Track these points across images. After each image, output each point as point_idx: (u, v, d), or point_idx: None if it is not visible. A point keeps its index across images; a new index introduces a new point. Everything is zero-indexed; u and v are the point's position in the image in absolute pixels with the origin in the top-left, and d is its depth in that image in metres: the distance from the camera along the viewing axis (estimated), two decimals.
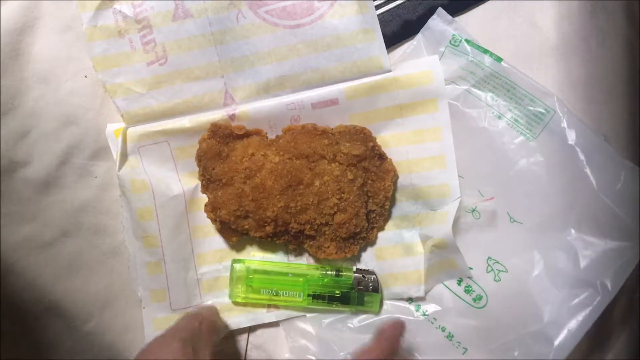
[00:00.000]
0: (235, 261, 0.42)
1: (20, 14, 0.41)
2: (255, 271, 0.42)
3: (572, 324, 0.38)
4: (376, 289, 0.40)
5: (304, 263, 0.43)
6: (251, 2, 0.40)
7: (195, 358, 0.34)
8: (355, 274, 0.41)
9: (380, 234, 0.42)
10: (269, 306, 0.43)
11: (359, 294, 0.41)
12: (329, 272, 0.41)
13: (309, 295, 0.41)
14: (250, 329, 0.43)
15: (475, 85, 0.41)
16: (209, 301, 0.43)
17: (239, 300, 0.42)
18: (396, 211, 0.42)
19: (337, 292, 0.41)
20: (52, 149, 0.42)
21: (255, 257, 0.43)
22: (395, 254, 0.42)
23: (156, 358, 0.34)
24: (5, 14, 0.41)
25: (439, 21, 0.41)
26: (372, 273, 0.41)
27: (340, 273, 0.41)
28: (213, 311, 0.41)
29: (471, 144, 0.41)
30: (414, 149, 0.41)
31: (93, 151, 0.43)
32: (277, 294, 0.41)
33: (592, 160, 0.39)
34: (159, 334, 0.36)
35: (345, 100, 0.40)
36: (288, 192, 0.39)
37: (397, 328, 0.38)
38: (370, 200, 0.40)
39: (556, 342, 0.38)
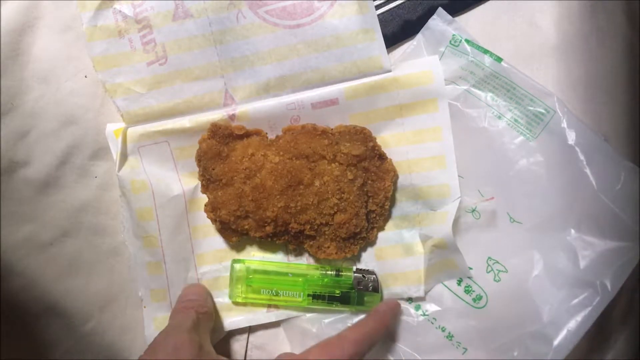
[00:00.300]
0: (235, 261, 0.42)
1: (20, 14, 0.41)
2: (255, 271, 0.42)
3: (572, 324, 0.38)
4: (376, 288, 0.40)
5: (304, 263, 0.43)
6: (251, 2, 0.40)
7: (200, 346, 0.35)
8: (355, 274, 0.41)
9: (380, 234, 0.42)
10: (269, 306, 0.43)
11: (359, 293, 0.41)
12: (329, 272, 0.41)
13: (308, 295, 0.41)
14: (250, 329, 0.43)
15: (475, 85, 0.41)
16: None
17: (239, 300, 0.42)
18: (396, 211, 0.42)
19: (337, 292, 0.41)
20: (52, 149, 0.42)
21: (255, 257, 0.43)
22: (395, 254, 0.42)
23: (167, 352, 0.34)
24: (5, 14, 0.41)
25: (439, 21, 0.41)
26: (372, 273, 0.41)
27: (340, 273, 0.41)
28: (202, 294, 0.41)
29: (471, 144, 0.41)
30: (414, 149, 0.41)
31: (93, 151, 0.43)
32: (277, 294, 0.41)
33: (592, 160, 0.39)
34: (161, 330, 0.36)
35: (345, 100, 0.40)
36: (288, 192, 0.39)
37: (391, 306, 0.40)
38: (370, 200, 0.40)
39: (555, 342, 0.38)
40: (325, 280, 0.41)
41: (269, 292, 0.41)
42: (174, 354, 0.34)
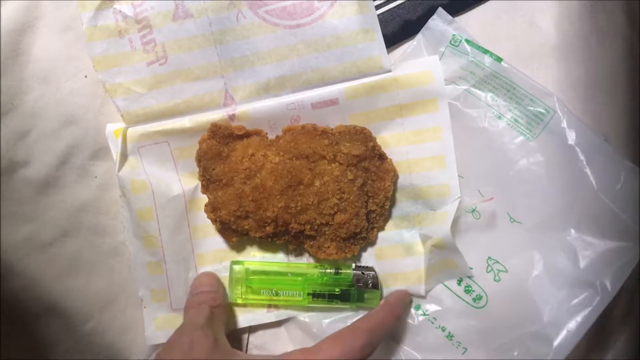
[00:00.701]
0: (234, 262, 0.42)
1: (20, 14, 0.41)
2: (254, 272, 0.42)
3: (572, 324, 0.38)
4: (376, 285, 0.40)
5: (303, 262, 0.43)
6: (251, 2, 0.40)
7: (215, 341, 0.35)
8: (354, 271, 0.41)
9: (381, 234, 0.42)
10: (269, 306, 0.43)
11: (358, 290, 0.41)
12: (328, 271, 0.41)
13: (309, 294, 0.41)
14: (251, 329, 0.43)
15: (475, 85, 0.41)
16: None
17: (239, 301, 0.42)
18: (396, 211, 0.42)
19: (337, 290, 0.41)
20: (52, 149, 0.42)
21: (255, 257, 0.43)
22: (395, 254, 0.42)
23: (182, 350, 0.34)
24: (5, 14, 0.41)
25: (439, 21, 0.41)
26: (371, 269, 0.41)
27: (339, 271, 0.41)
28: (214, 284, 0.41)
29: (471, 144, 0.41)
30: (414, 149, 0.41)
31: (93, 151, 0.43)
32: (277, 294, 0.41)
33: (592, 160, 0.39)
34: (177, 329, 0.37)
35: (345, 100, 0.40)
36: (288, 192, 0.39)
37: (401, 296, 0.40)
38: (371, 200, 0.40)
39: (555, 343, 0.38)
40: (325, 278, 0.41)
41: (268, 292, 0.41)
42: (189, 351, 0.34)
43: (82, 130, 0.43)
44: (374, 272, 0.41)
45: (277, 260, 0.43)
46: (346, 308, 0.42)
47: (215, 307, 0.39)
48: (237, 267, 0.41)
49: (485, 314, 0.40)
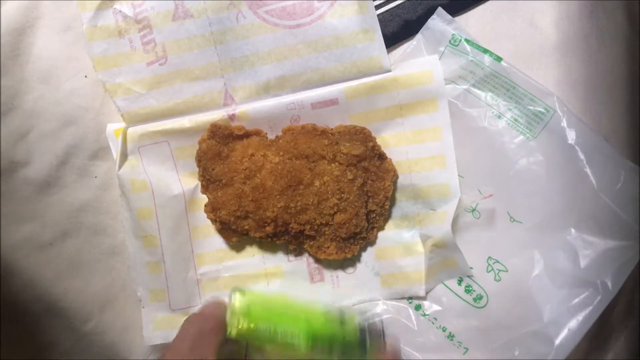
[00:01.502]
0: (235, 291, 0.37)
1: (20, 14, 0.41)
2: (256, 304, 0.36)
3: (572, 323, 0.38)
4: (379, 335, 0.39)
5: (304, 300, 0.38)
6: (251, 2, 0.40)
7: (201, 357, 0.34)
8: (360, 328, 0.37)
9: (381, 234, 0.42)
10: None
11: (362, 344, 0.36)
12: (332, 313, 0.37)
13: (309, 338, 0.35)
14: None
15: (475, 84, 0.41)
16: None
17: (233, 332, 0.36)
18: (396, 211, 0.42)
19: (340, 339, 0.36)
20: (52, 149, 0.42)
21: (255, 257, 0.43)
22: (395, 254, 0.42)
23: None
24: (5, 14, 0.41)
25: (438, 21, 0.41)
26: (377, 323, 0.40)
27: (344, 318, 0.37)
28: (218, 307, 0.40)
29: (471, 143, 0.41)
30: (414, 148, 0.41)
31: (93, 151, 0.43)
32: (275, 332, 0.36)
33: (592, 160, 0.39)
34: (169, 344, 0.36)
35: (345, 100, 0.40)
36: (288, 192, 0.39)
37: (396, 345, 0.40)
38: (370, 200, 0.40)
39: (556, 342, 0.38)
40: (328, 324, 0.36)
41: (267, 327, 0.36)
42: None
43: (82, 130, 0.43)
44: (380, 326, 0.40)
45: (277, 260, 0.43)
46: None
47: (213, 323, 0.35)
48: (237, 297, 0.36)
49: (485, 314, 0.40)
